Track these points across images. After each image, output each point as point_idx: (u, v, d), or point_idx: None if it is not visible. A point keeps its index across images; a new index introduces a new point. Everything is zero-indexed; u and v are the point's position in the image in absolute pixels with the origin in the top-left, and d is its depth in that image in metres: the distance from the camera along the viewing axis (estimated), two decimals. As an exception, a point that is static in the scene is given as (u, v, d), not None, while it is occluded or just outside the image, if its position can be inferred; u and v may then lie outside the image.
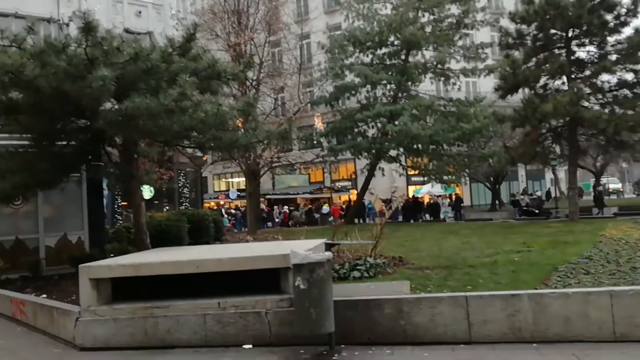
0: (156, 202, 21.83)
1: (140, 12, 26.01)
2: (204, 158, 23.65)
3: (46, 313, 8.28)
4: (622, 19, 22.09)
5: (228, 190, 44.22)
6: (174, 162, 20.23)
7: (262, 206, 36.41)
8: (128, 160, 11.20)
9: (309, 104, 29.85)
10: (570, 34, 22.69)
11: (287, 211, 36.61)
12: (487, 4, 32.48)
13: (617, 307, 6.40)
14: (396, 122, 26.20)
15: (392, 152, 29.00)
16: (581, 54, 23.52)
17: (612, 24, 22.13)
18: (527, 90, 24.55)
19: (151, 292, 7.47)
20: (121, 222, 18.26)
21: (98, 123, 9.55)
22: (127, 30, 20.95)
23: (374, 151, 28.63)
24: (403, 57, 28.66)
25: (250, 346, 6.87)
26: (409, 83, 28.46)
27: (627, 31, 22.25)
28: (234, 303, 7.09)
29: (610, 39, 22.70)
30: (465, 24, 28.63)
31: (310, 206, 37.85)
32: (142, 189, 12.95)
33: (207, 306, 7.13)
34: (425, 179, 32.70)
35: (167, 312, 7.15)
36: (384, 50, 28.89)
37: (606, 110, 22.65)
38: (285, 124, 13.84)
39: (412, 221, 30.62)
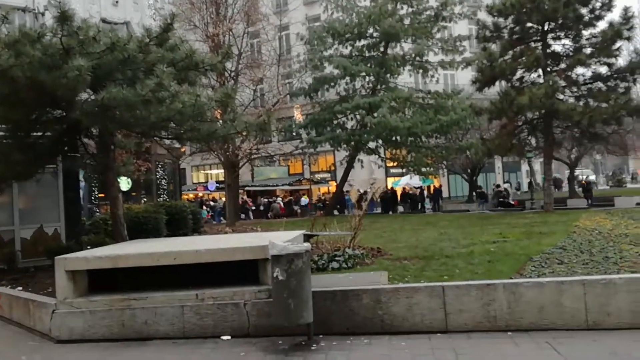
0: (134, 193, 21.66)
1: (117, 1, 25.74)
2: (182, 149, 23.49)
3: (22, 305, 8.18)
4: (597, 12, 22.49)
5: (207, 182, 43.97)
6: (152, 153, 20.06)
7: (245, 198, 36.37)
8: (105, 151, 11.09)
9: (288, 96, 29.78)
10: (546, 27, 22.99)
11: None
12: (465, -3, 32.67)
13: (590, 296, 6.53)
14: (375, 114, 26.32)
15: (371, 144, 29.17)
16: (557, 47, 23.92)
17: (587, 17, 22.51)
18: (503, 82, 24.85)
19: (128, 284, 7.43)
20: (98, 213, 18.09)
21: (74, 114, 9.42)
22: (103, 20, 20.71)
23: (353, 143, 28.77)
24: (382, 49, 28.81)
25: (229, 337, 6.89)
26: (388, 75, 28.62)
27: (602, 25, 22.70)
28: (212, 294, 7.09)
29: (585, 33, 23.13)
30: (443, 17, 28.85)
31: (290, 198, 37.85)
32: (119, 180, 12.85)
33: (185, 298, 7.12)
34: (404, 170, 32.91)
35: (144, 303, 7.12)
36: (362, 42, 29.01)
37: (581, 103, 23.05)
38: (264, 116, 13.75)
39: (390, 212, 30.77)
